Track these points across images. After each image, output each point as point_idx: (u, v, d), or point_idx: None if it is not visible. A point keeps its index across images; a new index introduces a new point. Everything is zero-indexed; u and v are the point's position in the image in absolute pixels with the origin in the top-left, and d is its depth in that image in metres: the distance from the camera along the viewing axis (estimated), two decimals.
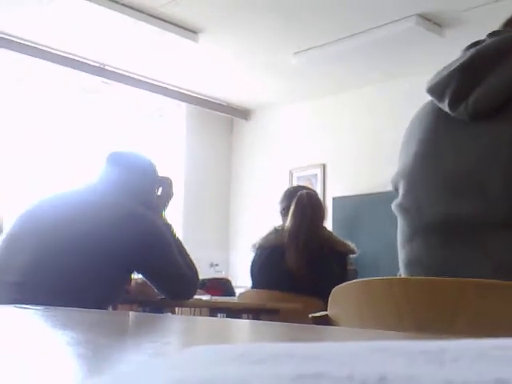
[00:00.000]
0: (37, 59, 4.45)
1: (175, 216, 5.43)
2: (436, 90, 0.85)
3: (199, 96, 5.51)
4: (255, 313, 2.03)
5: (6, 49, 4.28)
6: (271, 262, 2.22)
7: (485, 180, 0.76)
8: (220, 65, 4.76)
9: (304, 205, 2.19)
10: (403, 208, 0.87)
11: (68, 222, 1.53)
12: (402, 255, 0.88)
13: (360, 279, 0.88)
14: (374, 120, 5.03)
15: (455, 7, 3.70)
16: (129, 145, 4.97)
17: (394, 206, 0.90)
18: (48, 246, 1.49)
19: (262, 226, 4.04)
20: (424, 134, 0.86)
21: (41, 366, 0.31)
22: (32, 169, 4.66)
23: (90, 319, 0.73)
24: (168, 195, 1.88)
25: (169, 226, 1.82)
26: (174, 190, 1.94)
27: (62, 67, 4.60)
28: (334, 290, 0.87)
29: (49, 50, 4.46)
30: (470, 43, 0.88)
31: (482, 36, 0.89)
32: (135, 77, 5.02)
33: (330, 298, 0.87)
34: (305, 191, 2.28)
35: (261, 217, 5.09)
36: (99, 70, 4.80)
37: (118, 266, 1.55)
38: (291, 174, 5.54)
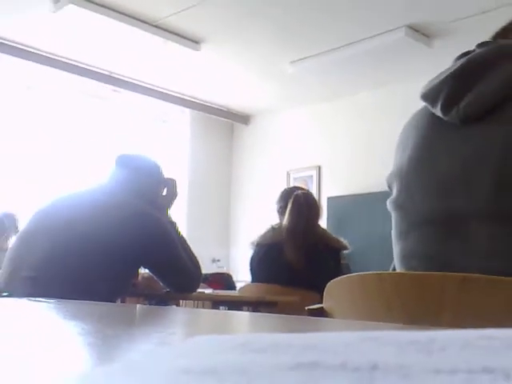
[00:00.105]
0: (46, 67, 4.44)
1: (179, 215, 5.44)
2: (429, 95, 0.85)
3: (202, 102, 5.51)
4: (255, 305, 2.03)
5: (16, 57, 4.27)
6: (269, 258, 2.22)
7: (475, 177, 0.77)
8: (221, 73, 4.77)
9: (300, 204, 2.19)
10: (398, 205, 0.87)
11: (79, 220, 1.53)
12: (396, 249, 0.87)
13: (353, 274, 0.88)
14: (367, 125, 5.04)
15: (443, 18, 3.70)
16: (136, 148, 4.96)
17: (388, 203, 0.90)
18: (60, 242, 1.49)
19: (260, 224, 4.04)
20: (418, 137, 0.87)
21: (53, 354, 0.31)
22: (43, 172, 4.65)
23: (99, 311, 0.73)
24: (173, 195, 1.88)
25: (173, 224, 1.82)
26: (179, 190, 1.94)
27: (70, 75, 4.59)
28: (328, 284, 0.87)
29: (57, 57, 4.45)
30: (457, 53, 0.88)
31: (469, 46, 0.89)
32: (141, 84, 5.01)
33: (324, 292, 0.87)
34: (301, 191, 2.28)
35: (259, 215, 5.09)
36: (106, 78, 4.79)
37: (126, 261, 1.55)
38: (288, 175, 5.55)
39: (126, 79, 4.90)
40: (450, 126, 0.82)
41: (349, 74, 4.65)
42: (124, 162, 1.77)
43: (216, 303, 2.20)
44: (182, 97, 5.35)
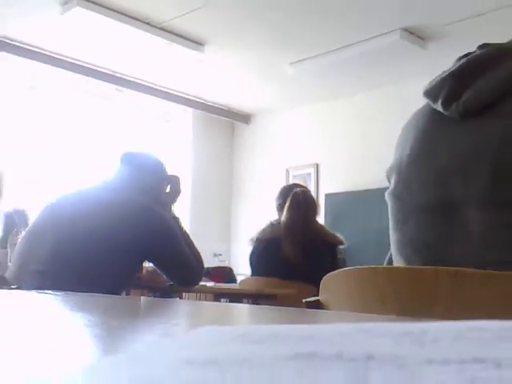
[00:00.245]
0: (52, 67, 4.43)
1: (183, 211, 5.44)
2: (431, 92, 0.86)
3: (204, 102, 5.51)
4: (254, 298, 2.03)
5: (23, 57, 4.26)
6: (268, 253, 2.22)
7: (473, 169, 0.77)
8: (223, 74, 4.76)
9: (299, 201, 2.19)
10: (395, 195, 0.87)
11: (85, 216, 1.53)
12: (393, 238, 0.88)
13: (348, 267, 0.88)
14: (363, 125, 5.04)
15: (438, 21, 3.69)
16: (139, 147, 4.96)
17: (386, 194, 0.90)
18: (67, 237, 1.49)
19: (260, 220, 4.04)
20: (418, 131, 0.87)
21: (60, 345, 0.31)
22: (48, 171, 4.65)
23: (104, 303, 0.73)
24: (176, 192, 1.88)
25: (177, 220, 1.82)
26: (182, 187, 1.94)
27: (75, 74, 4.58)
28: (325, 277, 0.87)
29: (63, 58, 4.44)
30: (452, 55, 0.89)
31: (464, 48, 0.89)
32: (145, 84, 5.01)
33: (321, 285, 0.87)
34: (299, 189, 2.28)
35: (259, 211, 5.09)
36: (111, 78, 4.78)
37: (131, 255, 1.55)
38: (287, 172, 5.55)
39: (130, 79, 4.90)
40: (450, 120, 0.82)
41: (346, 76, 4.65)
42: (128, 159, 1.77)
43: (217, 296, 2.20)
44: (185, 96, 5.35)
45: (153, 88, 5.08)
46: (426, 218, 0.81)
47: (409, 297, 0.75)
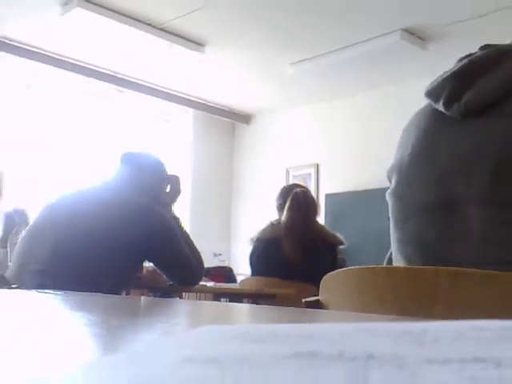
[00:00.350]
0: (52, 67, 4.43)
1: (182, 211, 5.44)
2: (433, 92, 0.86)
3: (204, 102, 5.51)
4: (254, 298, 2.03)
5: (23, 57, 4.26)
6: (268, 253, 2.22)
7: (474, 168, 0.77)
8: (223, 74, 4.76)
9: (299, 201, 2.19)
10: (396, 195, 0.87)
11: (85, 216, 1.53)
12: (394, 237, 0.88)
13: (348, 267, 0.88)
14: (363, 125, 5.04)
15: (438, 22, 3.69)
16: (139, 147, 4.96)
17: (387, 194, 0.90)
18: (67, 237, 1.49)
19: (260, 220, 4.04)
20: (419, 131, 0.87)
21: (60, 344, 0.31)
22: (47, 171, 4.64)
23: (104, 303, 0.73)
24: (176, 192, 1.88)
25: (177, 220, 1.81)
26: (182, 187, 1.94)
27: (76, 75, 4.58)
28: (324, 277, 0.87)
29: (64, 58, 4.44)
30: (452, 56, 0.89)
31: (464, 49, 0.90)
32: (145, 84, 5.01)
33: (321, 285, 0.87)
34: (299, 189, 2.28)
35: (259, 211, 5.09)
36: (112, 78, 4.78)
37: (131, 255, 1.55)
38: (288, 172, 5.55)
39: (131, 79, 4.90)
40: (452, 120, 0.83)
41: (346, 76, 4.65)
42: (128, 159, 1.77)
43: (217, 295, 2.20)
44: (185, 97, 5.35)
45: (153, 88, 5.08)
46: (427, 217, 0.81)
47: (408, 297, 0.75)
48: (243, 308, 0.84)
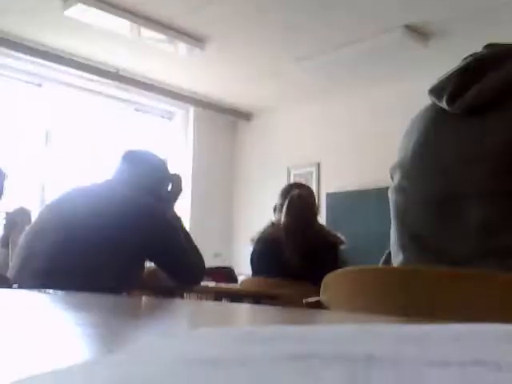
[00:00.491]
0: (53, 64, 4.43)
1: (183, 210, 5.45)
2: (436, 90, 0.87)
3: (206, 99, 5.52)
4: (255, 298, 2.03)
5: (22, 53, 4.27)
6: (269, 253, 2.22)
7: (475, 162, 0.78)
8: (225, 71, 4.77)
9: (295, 206, 2.19)
10: (398, 189, 0.88)
11: (86, 214, 1.53)
12: (393, 229, 0.88)
13: (349, 267, 0.88)
14: (365, 123, 5.04)
15: (440, 19, 3.69)
16: (140, 144, 4.97)
17: (389, 190, 0.91)
18: (67, 237, 1.49)
19: (261, 219, 4.04)
20: (422, 128, 0.88)
21: (60, 343, 0.31)
22: (48, 170, 4.65)
23: (105, 303, 0.73)
24: (177, 191, 1.88)
25: (178, 219, 1.82)
26: (183, 186, 1.94)
27: (76, 71, 4.58)
28: (325, 277, 0.87)
29: (65, 55, 4.45)
30: (454, 53, 0.90)
31: (466, 46, 0.90)
32: (146, 81, 5.01)
33: (321, 285, 0.87)
34: (296, 192, 2.27)
35: (261, 211, 5.09)
36: (113, 75, 4.78)
37: (132, 254, 1.55)
38: (289, 171, 5.55)
39: (132, 76, 4.90)
40: (455, 116, 0.84)
41: (349, 73, 4.65)
42: (130, 157, 1.77)
43: (218, 296, 2.20)
44: (187, 94, 5.35)
45: (154, 85, 5.08)
46: (426, 210, 0.82)
47: (409, 297, 0.75)
48: (244, 308, 0.84)
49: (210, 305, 0.91)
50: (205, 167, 5.72)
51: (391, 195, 0.90)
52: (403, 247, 0.85)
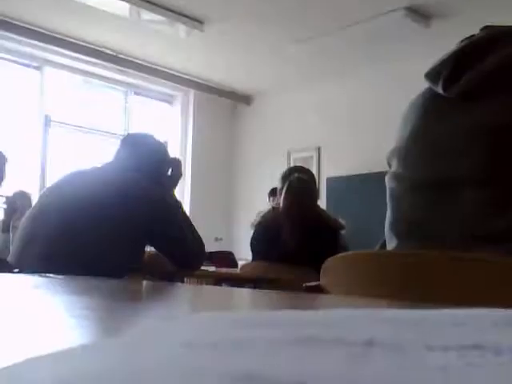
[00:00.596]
0: (53, 47, 4.39)
1: (183, 194, 5.45)
2: (432, 74, 0.86)
3: (205, 83, 5.48)
4: (255, 282, 2.04)
5: (24, 36, 4.23)
6: (269, 237, 2.23)
7: (471, 147, 0.78)
8: (224, 53, 4.73)
9: (294, 193, 2.18)
10: (394, 175, 0.88)
11: (86, 198, 1.53)
12: (388, 214, 0.88)
13: (348, 252, 0.88)
14: (366, 106, 5.01)
15: (441, 0, 3.65)
16: (140, 128, 4.95)
17: (386, 178, 0.91)
18: (68, 219, 1.50)
19: (262, 204, 4.04)
20: (418, 113, 0.88)
21: (60, 326, 0.31)
22: (49, 154, 4.64)
23: (106, 287, 0.73)
24: (177, 175, 1.87)
25: (178, 203, 1.82)
26: (183, 170, 1.93)
27: (76, 55, 4.55)
28: (325, 261, 0.87)
29: (64, 37, 4.41)
30: (455, 34, 0.89)
31: (467, 27, 0.89)
32: (146, 65, 4.97)
33: (321, 270, 0.87)
34: (296, 176, 2.26)
35: (261, 195, 5.10)
36: (112, 58, 4.75)
37: (132, 239, 1.56)
38: (289, 155, 5.54)
39: (132, 59, 4.86)
40: (451, 101, 0.83)
41: (349, 55, 4.61)
42: (130, 141, 1.77)
43: (218, 280, 2.22)
44: (187, 77, 5.32)
45: (154, 68, 5.04)
46: (422, 195, 0.82)
47: (408, 281, 0.75)
48: (244, 293, 0.84)
49: (209, 289, 0.92)
50: (205, 151, 5.70)
51: (388, 182, 0.90)
52: (397, 233, 0.85)
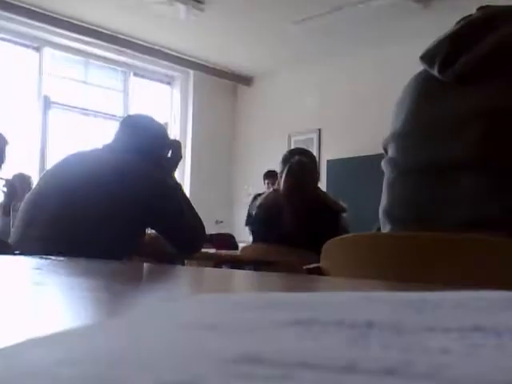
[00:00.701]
0: (50, 27, 4.35)
1: (183, 177, 5.45)
2: (427, 56, 0.86)
3: (205, 63, 5.43)
4: (256, 265, 2.05)
5: (23, 17, 4.18)
6: (270, 219, 2.23)
7: (466, 129, 0.77)
8: (224, 34, 4.68)
9: (294, 176, 2.18)
10: (389, 160, 0.88)
11: (86, 180, 1.53)
12: (382, 198, 0.89)
13: (349, 234, 0.88)
14: (366, 87, 4.97)
15: None
16: (139, 109, 4.93)
17: (382, 162, 0.90)
18: (68, 201, 1.50)
19: (262, 187, 4.03)
20: (413, 97, 0.87)
21: (60, 307, 0.32)
22: (49, 136, 4.62)
23: (107, 268, 0.74)
24: (177, 157, 1.87)
25: (178, 185, 1.81)
26: (183, 152, 1.93)
27: (75, 35, 4.50)
28: (325, 244, 0.87)
29: (63, 18, 4.35)
30: (455, 15, 0.88)
31: (466, 7, 0.88)
32: (146, 45, 4.92)
33: (322, 252, 0.88)
34: (296, 158, 2.25)
35: (261, 178, 5.09)
36: (112, 39, 4.70)
37: (132, 221, 1.56)
38: (290, 137, 5.52)
39: (131, 40, 4.82)
40: (446, 84, 0.83)
41: (349, 36, 4.57)
42: (129, 123, 1.76)
43: (219, 262, 2.23)
44: (186, 58, 5.27)
45: (153, 49, 4.99)
46: (416, 179, 0.82)
47: (408, 263, 0.76)
48: (244, 275, 0.85)
49: (210, 271, 0.92)
50: (204, 132, 5.68)
51: (384, 168, 0.90)
52: (391, 218, 0.85)
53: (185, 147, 5.23)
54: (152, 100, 5.38)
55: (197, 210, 1.84)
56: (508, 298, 0.18)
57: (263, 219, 2.27)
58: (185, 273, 0.75)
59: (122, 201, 1.51)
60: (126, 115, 1.84)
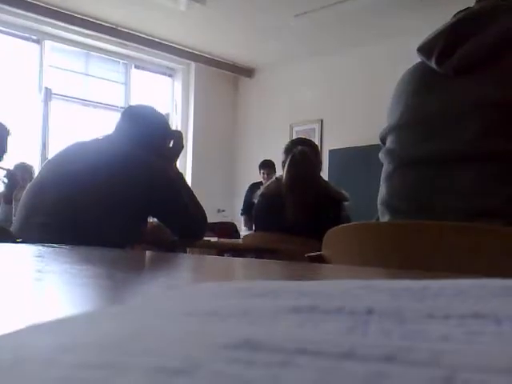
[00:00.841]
0: (50, 19, 4.32)
1: (185, 166, 5.44)
2: (425, 48, 0.85)
3: (207, 55, 5.40)
4: (257, 253, 2.06)
5: (23, 10, 4.15)
6: (272, 208, 2.23)
7: (464, 121, 0.77)
8: (226, 26, 4.65)
9: (297, 165, 2.18)
10: (387, 151, 0.88)
11: (87, 170, 1.53)
12: (381, 190, 0.89)
13: (350, 223, 0.88)
14: (367, 78, 4.95)
15: None
16: (141, 101, 4.91)
17: (380, 154, 0.90)
18: (69, 191, 1.50)
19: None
20: (410, 89, 0.87)
21: (63, 295, 0.32)
22: (50, 127, 4.61)
23: (109, 256, 0.74)
24: (179, 147, 1.87)
25: (180, 175, 1.82)
26: (184, 142, 1.92)
27: (76, 28, 4.47)
28: (327, 232, 0.88)
29: (64, 10, 4.33)
30: (454, 8, 0.88)
31: (466, 2, 0.88)
32: (147, 37, 4.90)
33: (324, 240, 0.88)
34: (299, 148, 2.25)
35: None
36: (114, 32, 4.67)
37: (134, 209, 1.56)
38: (291, 128, 5.50)
39: (133, 32, 4.79)
40: (444, 76, 0.82)
41: (349, 28, 4.53)
42: (131, 113, 1.75)
43: (221, 251, 2.24)
44: (188, 50, 5.24)
45: (155, 41, 4.97)
46: (415, 171, 0.82)
47: (409, 250, 0.76)
48: (246, 263, 0.85)
49: (212, 259, 0.93)
50: (206, 123, 5.67)
51: (382, 160, 0.90)
52: (390, 209, 0.85)
53: (186, 138, 5.23)
54: (153, 92, 5.36)
55: (199, 200, 1.85)
56: (508, 286, 0.18)
57: (265, 208, 2.27)
58: (187, 261, 0.75)
59: (124, 190, 1.51)
60: (127, 106, 1.83)
